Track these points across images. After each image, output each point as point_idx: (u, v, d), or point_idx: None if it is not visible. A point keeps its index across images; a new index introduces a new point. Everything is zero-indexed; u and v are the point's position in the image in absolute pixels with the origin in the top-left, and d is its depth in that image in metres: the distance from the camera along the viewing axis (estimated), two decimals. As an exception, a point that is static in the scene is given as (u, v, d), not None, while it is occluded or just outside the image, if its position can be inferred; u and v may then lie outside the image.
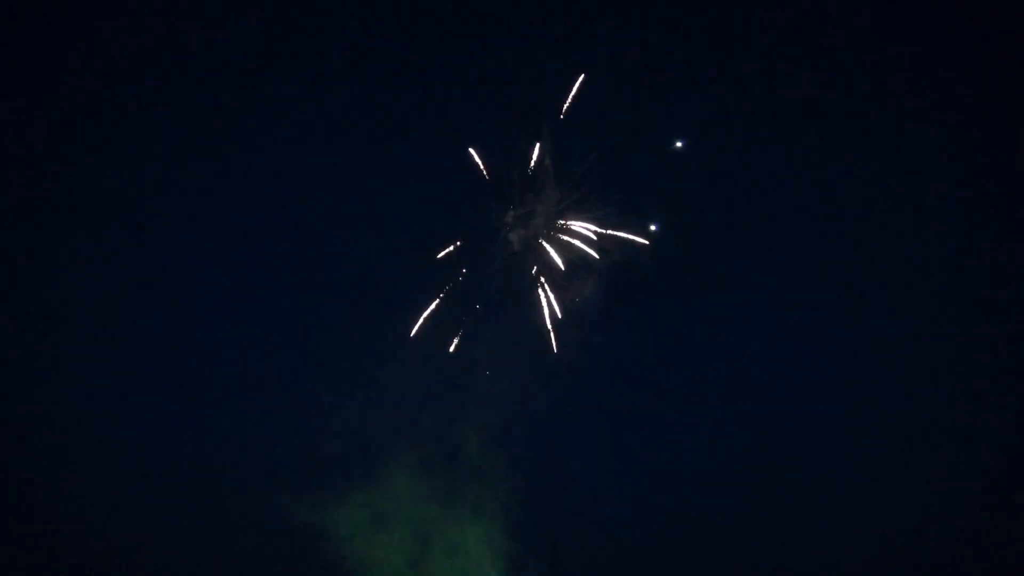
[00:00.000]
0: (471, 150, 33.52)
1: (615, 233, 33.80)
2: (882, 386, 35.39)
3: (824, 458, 35.39)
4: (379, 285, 35.46)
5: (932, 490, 33.85)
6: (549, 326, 34.21)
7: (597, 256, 33.93)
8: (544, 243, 34.48)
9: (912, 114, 34.14)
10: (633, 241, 33.69)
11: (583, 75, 33.10)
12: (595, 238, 33.96)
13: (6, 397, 34.85)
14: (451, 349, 34.71)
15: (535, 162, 33.59)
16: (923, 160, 34.16)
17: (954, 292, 34.22)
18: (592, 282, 34.25)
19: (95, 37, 34.52)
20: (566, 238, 34.29)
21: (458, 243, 34.16)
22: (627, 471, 36.95)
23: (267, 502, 34.60)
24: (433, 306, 34.49)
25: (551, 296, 34.36)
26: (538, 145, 33.40)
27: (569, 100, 33.16)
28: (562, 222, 34.33)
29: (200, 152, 36.08)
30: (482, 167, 33.65)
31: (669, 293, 36.02)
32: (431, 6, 35.99)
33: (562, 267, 34.12)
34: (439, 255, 34.09)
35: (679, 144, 34.12)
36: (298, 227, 36.75)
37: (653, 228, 33.67)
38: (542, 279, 34.49)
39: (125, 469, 35.29)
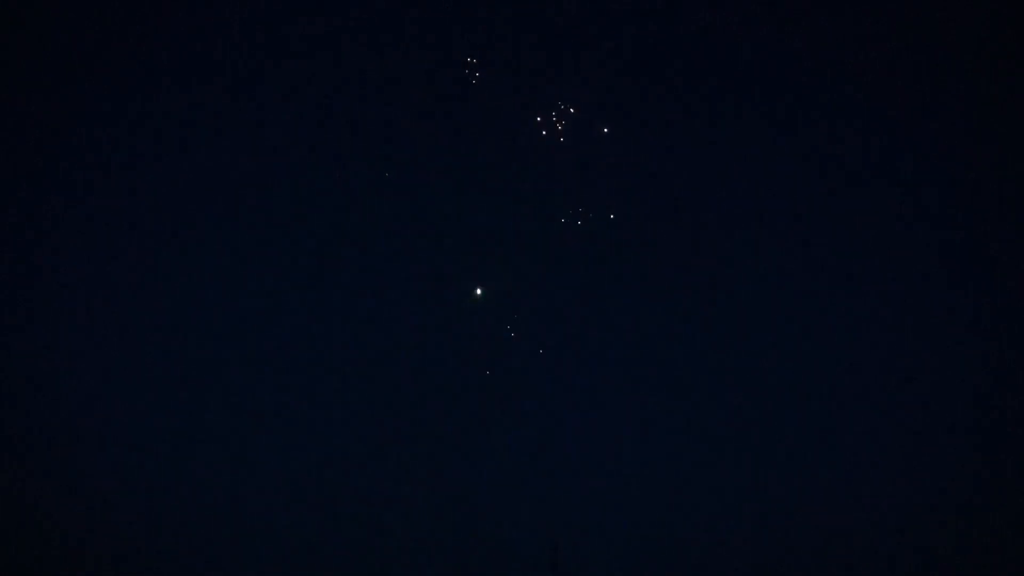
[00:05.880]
0: None
1: None
2: (878, 385, 35.30)
3: (822, 458, 35.38)
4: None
5: (932, 491, 33.76)
6: None
7: None
8: None
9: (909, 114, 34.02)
10: None
11: None
12: None
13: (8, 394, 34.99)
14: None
15: None
16: (919, 160, 34.04)
17: (952, 291, 34.07)
18: None
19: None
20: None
21: None
22: (627, 469, 37.01)
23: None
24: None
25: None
26: None
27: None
28: None
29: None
30: None
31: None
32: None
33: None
34: None
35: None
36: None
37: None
38: None
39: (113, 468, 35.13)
